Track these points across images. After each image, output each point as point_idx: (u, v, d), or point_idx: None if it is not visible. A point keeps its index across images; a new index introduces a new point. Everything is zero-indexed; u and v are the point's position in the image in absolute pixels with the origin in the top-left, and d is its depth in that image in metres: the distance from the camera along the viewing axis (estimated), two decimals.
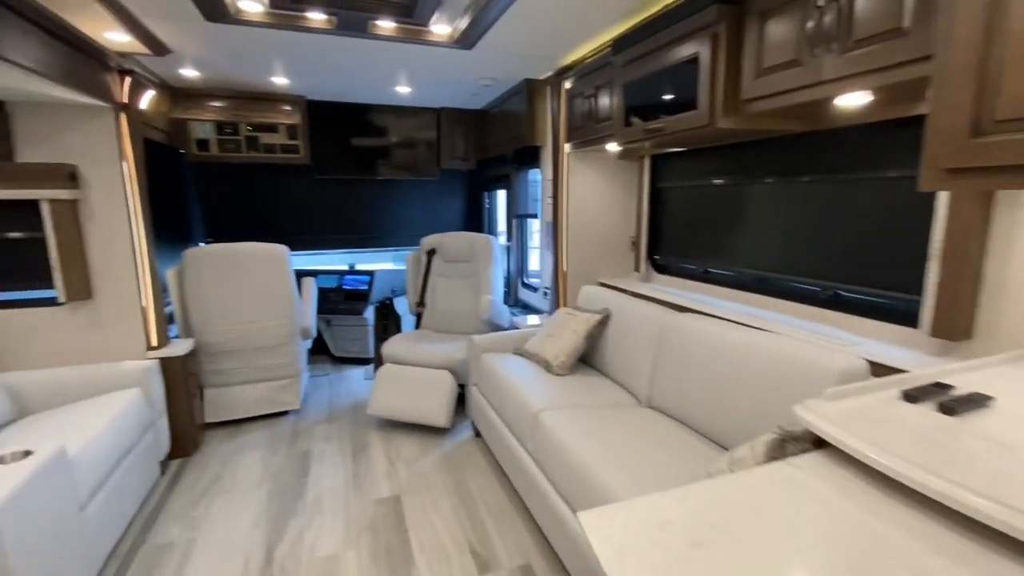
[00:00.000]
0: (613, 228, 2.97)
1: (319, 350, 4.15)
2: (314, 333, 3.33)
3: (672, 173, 2.68)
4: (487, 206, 4.54)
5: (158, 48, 2.37)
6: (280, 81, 3.22)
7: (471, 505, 2.19)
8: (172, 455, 2.57)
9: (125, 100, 2.30)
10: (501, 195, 4.37)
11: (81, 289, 2.30)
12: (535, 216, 3.58)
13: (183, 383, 2.58)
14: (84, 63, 2.04)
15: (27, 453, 1.47)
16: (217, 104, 3.46)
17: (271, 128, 3.62)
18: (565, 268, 2.93)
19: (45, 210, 2.19)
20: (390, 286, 4.13)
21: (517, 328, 3.06)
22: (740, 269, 2.24)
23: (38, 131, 2.19)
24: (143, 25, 2.10)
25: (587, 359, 2.56)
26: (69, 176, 2.21)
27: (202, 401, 2.89)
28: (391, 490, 2.32)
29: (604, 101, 2.37)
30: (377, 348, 3.71)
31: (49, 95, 2.03)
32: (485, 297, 3.17)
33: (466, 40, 2.39)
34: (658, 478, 1.46)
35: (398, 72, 3.03)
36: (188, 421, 2.62)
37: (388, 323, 3.86)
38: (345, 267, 4.24)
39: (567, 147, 2.81)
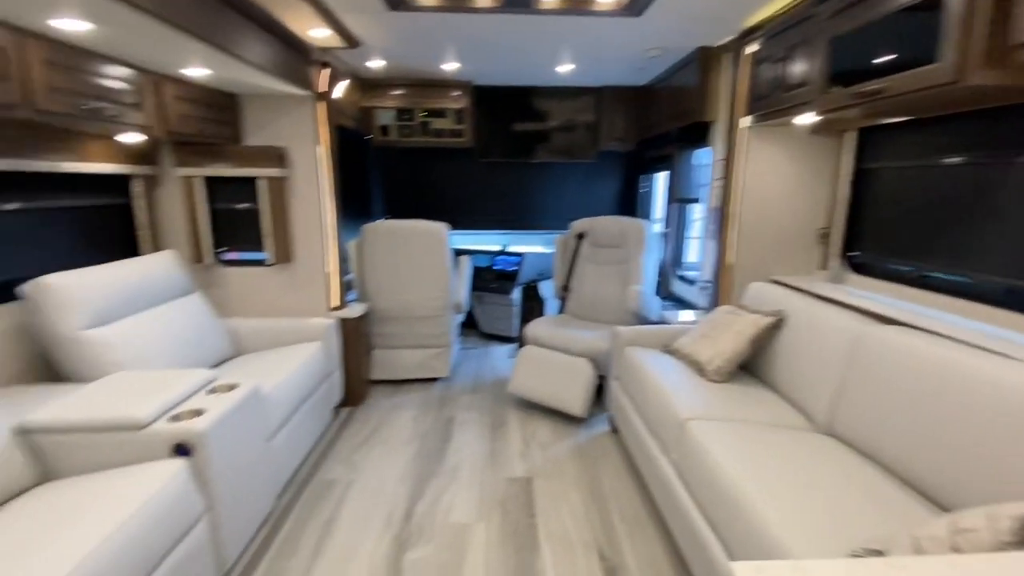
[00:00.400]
0: (795, 216, 2.52)
1: (470, 325, 4.38)
2: (466, 308, 3.50)
3: (887, 150, 2.15)
4: (643, 190, 4.27)
5: (351, 41, 2.64)
6: (450, 67, 3.39)
7: (603, 504, 2.09)
8: (343, 404, 2.93)
9: (323, 89, 2.61)
10: (660, 178, 4.07)
11: (284, 254, 2.72)
12: (697, 201, 3.24)
13: (356, 342, 2.91)
14: (295, 58, 2.36)
15: (232, 386, 1.77)
16: (397, 92, 3.79)
17: (440, 113, 3.86)
18: (731, 260, 2.59)
19: (261, 186, 2.62)
20: (538, 269, 4.15)
21: (667, 323, 2.82)
22: (979, 275, 1.71)
23: (259, 119, 2.61)
24: (339, 20, 2.34)
25: (749, 367, 2.24)
26: (279, 157, 2.61)
27: (370, 360, 3.25)
28: (524, 471, 2.33)
29: (798, 64, 1.98)
30: (521, 328, 3.77)
31: (268, 88, 2.40)
32: (634, 287, 2.98)
33: (635, 5, 2.20)
34: (836, 528, 1.19)
35: (561, 49, 2.95)
36: (358, 376, 2.97)
37: (533, 305, 3.90)
38: (498, 248, 4.38)
39: (745, 121, 2.45)
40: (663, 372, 2.15)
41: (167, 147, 2.52)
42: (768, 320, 2.10)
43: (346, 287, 3.02)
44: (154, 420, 1.51)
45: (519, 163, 4.29)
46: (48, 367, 1.93)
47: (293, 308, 2.78)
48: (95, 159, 2.14)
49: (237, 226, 2.69)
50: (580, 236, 3.46)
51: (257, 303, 2.78)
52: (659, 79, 3.55)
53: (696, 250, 3.48)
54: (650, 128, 3.75)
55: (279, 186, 2.64)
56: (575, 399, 2.71)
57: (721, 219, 2.62)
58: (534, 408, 2.96)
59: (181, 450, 1.50)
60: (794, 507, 1.26)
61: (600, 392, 2.85)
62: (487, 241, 4.51)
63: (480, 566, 1.75)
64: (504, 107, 4.04)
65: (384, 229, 3.19)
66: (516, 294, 4.02)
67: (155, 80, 2.03)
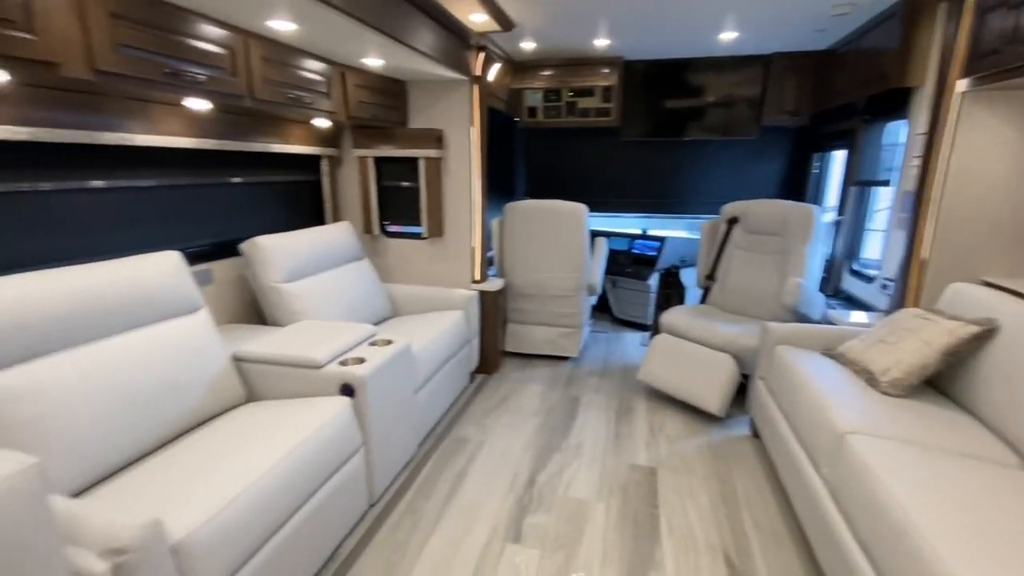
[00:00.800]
0: (1021, 206, 2.01)
1: (602, 308, 4.33)
2: (599, 291, 3.47)
3: None
4: (815, 170, 3.75)
5: (506, 23, 2.73)
6: (601, 43, 3.31)
7: (734, 508, 1.95)
8: (478, 370, 3.14)
9: (478, 73, 2.76)
10: (837, 157, 3.53)
11: (437, 229, 2.97)
12: (885, 183, 2.75)
13: (493, 314, 3.08)
14: (456, 44, 2.52)
15: (388, 342, 2.00)
16: (546, 73, 3.83)
17: (587, 92, 3.81)
18: (924, 256, 2.17)
19: (421, 166, 2.87)
20: (679, 255, 3.93)
21: (832, 324, 2.48)
22: None
23: (421, 103, 2.86)
24: (496, 3, 2.44)
25: (937, 383, 1.87)
26: (437, 139, 2.83)
27: (504, 332, 3.42)
28: (648, 460, 2.26)
29: None
30: (656, 316, 3.63)
31: (431, 73, 2.60)
32: (793, 279, 2.66)
33: None
34: None
35: (727, 14, 2.70)
36: (493, 346, 3.14)
37: (671, 292, 3.71)
38: (637, 231, 4.23)
39: (961, 85, 2.00)
40: (822, 377, 1.91)
41: (347, 131, 2.90)
42: (971, 329, 1.72)
43: (488, 262, 3.19)
44: (328, 363, 1.79)
45: (667, 142, 4.07)
46: (256, 311, 2.40)
47: (441, 278, 3.04)
48: (295, 142, 2.55)
49: (399, 202, 3.00)
50: (732, 221, 3.18)
51: (411, 272, 3.09)
52: (844, 41, 3.06)
53: (877, 243, 2.97)
54: (829, 98, 3.26)
55: (435, 166, 2.87)
56: (712, 395, 2.54)
57: (916, 205, 2.20)
58: (664, 399, 2.85)
59: (346, 390, 1.75)
60: (983, 553, 1.04)
61: (741, 391, 2.63)
62: (626, 224, 4.39)
63: (597, 543, 1.76)
64: (655, 83, 3.84)
65: (525, 208, 3.28)
66: (653, 280, 3.87)
67: (341, 71, 2.33)
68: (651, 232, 4.18)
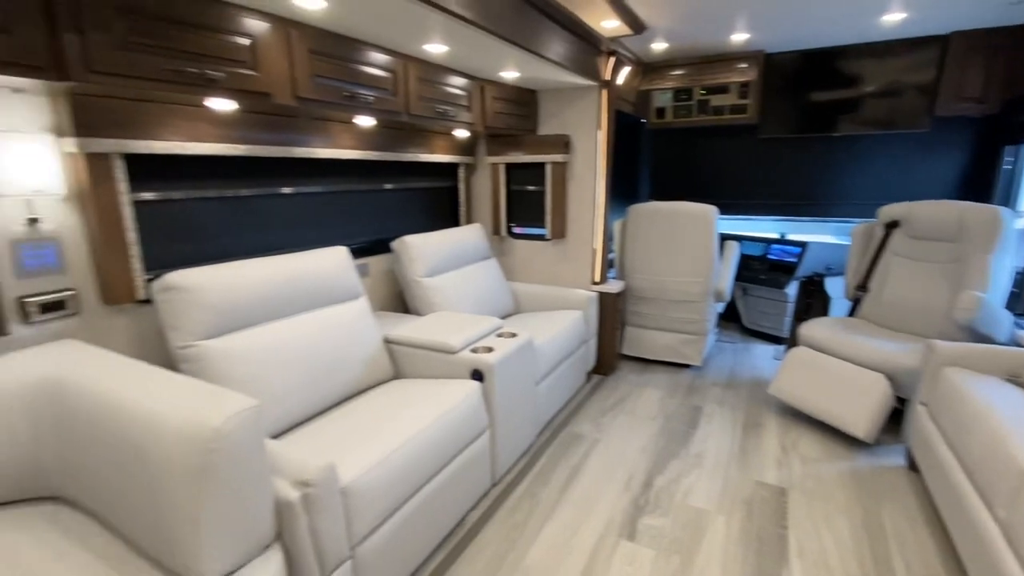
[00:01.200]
0: None
1: (730, 317, 4.09)
2: (727, 298, 3.30)
3: None
4: (1006, 166, 3.16)
5: (638, 26, 2.74)
6: (739, 38, 3.16)
7: (880, 542, 1.75)
8: (595, 371, 3.18)
9: (607, 78, 2.80)
10: None
11: (560, 231, 3.07)
12: None
13: (612, 316, 3.10)
14: (587, 51, 2.60)
15: (513, 335, 2.14)
16: (677, 72, 3.74)
17: (722, 89, 3.64)
18: None
19: (547, 170, 3.00)
20: (823, 262, 3.56)
21: (1021, 346, 2.09)
22: None
23: (551, 110, 2.98)
24: (629, 8, 2.47)
25: None
26: (565, 144, 2.93)
27: (622, 335, 3.41)
28: (778, 479, 2.12)
29: None
30: (794, 327, 3.35)
31: (562, 81, 2.71)
32: (970, 293, 2.29)
33: None
34: None
35: None
36: (610, 348, 3.16)
37: (813, 303, 3.38)
38: (775, 235, 3.92)
39: None
40: (1004, 406, 1.63)
41: (482, 140, 3.13)
42: None
43: (608, 264, 3.22)
44: (462, 349, 1.98)
45: (811, 139, 3.72)
46: (400, 301, 2.71)
47: (562, 279, 3.13)
48: (438, 152, 2.83)
49: (525, 205, 3.15)
50: (891, 225, 2.82)
51: (534, 271, 3.23)
52: None
53: None
54: None
55: (561, 170, 2.98)
56: (860, 418, 2.29)
57: None
58: (799, 417, 2.62)
59: (476, 375, 1.92)
60: None
61: (894, 416, 2.34)
62: (760, 228, 4.09)
63: (717, 554, 1.71)
64: (800, 76, 3.54)
65: (649, 210, 3.24)
66: (792, 289, 3.56)
67: (481, 85, 2.54)
68: (790, 236, 3.85)
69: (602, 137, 2.89)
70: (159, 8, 1.29)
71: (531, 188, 3.12)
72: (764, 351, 3.60)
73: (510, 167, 3.12)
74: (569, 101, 2.92)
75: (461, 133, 2.75)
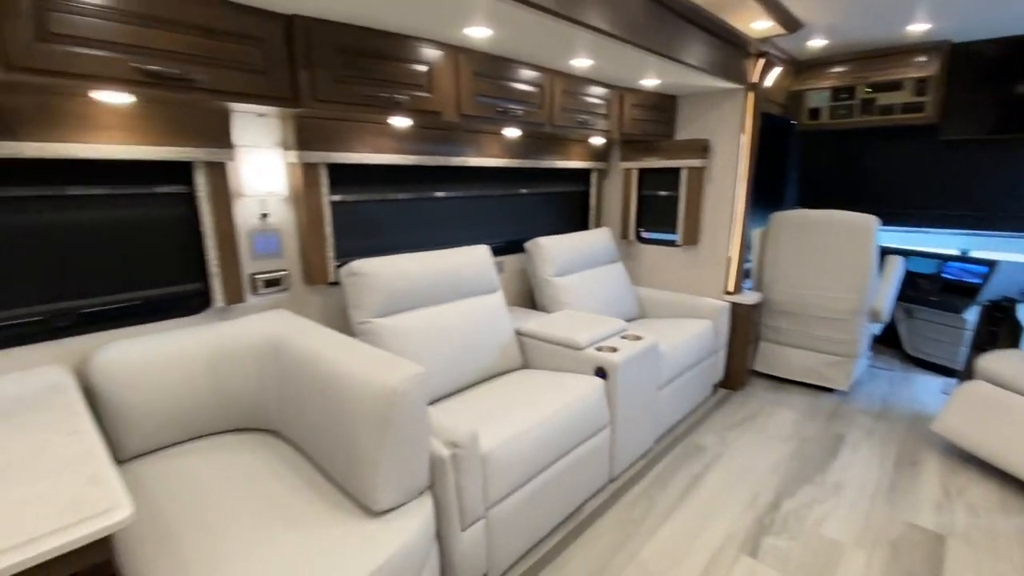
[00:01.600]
0: None
1: (888, 341, 3.64)
2: (886, 319, 2.96)
3: None
4: None
5: (792, 25, 2.59)
6: (917, 28, 2.81)
7: None
8: (722, 384, 3.06)
9: (755, 80, 2.69)
10: None
11: (692, 237, 3.02)
12: None
13: (745, 329, 2.96)
14: (732, 54, 2.54)
15: (638, 337, 2.19)
16: (837, 70, 3.42)
17: (893, 86, 3.25)
18: None
19: (683, 175, 2.96)
20: (1018, 285, 3.01)
21: None
22: None
23: (690, 115, 2.94)
24: (783, 6, 2.36)
25: None
26: (703, 148, 2.88)
27: (755, 350, 3.23)
28: (935, 524, 1.89)
29: None
30: (971, 358, 2.90)
31: (704, 85, 2.67)
32: None
33: None
34: None
35: None
36: (740, 362, 3.02)
37: (999, 332, 2.88)
38: (953, 252, 3.40)
39: None
40: None
41: (616, 146, 3.19)
42: None
43: (743, 274, 3.07)
44: (587, 347, 2.08)
45: (1013, 140, 3.15)
46: (529, 298, 2.89)
47: (691, 286, 3.07)
48: (573, 158, 2.97)
49: (656, 210, 3.15)
50: None
51: (661, 277, 3.21)
52: None
53: None
54: None
55: (698, 175, 2.92)
56: None
57: None
58: (969, 461, 2.28)
59: (600, 372, 2.01)
60: None
61: None
62: (933, 242, 3.56)
63: None
64: (1000, 67, 3.02)
65: (796, 219, 3.03)
66: (971, 314, 3.07)
67: (620, 93, 2.62)
68: (974, 253, 3.31)
69: (745, 141, 2.78)
70: (363, 46, 1.59)
71: (663, 193, 3.11)
72: (929, 383, 3.15)
73: (643, 172, 3.14)
74: (711, 105, 2.86)
75: (597, 140, 2.85)
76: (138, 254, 1.58)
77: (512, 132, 2.40)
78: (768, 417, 2.73)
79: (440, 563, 1.41)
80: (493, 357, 2.10)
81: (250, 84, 1.41)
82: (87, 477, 0.89)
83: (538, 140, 2.71)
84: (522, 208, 2.90)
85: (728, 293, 2.97)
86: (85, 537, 0.76)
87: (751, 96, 2.73)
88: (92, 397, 1.37)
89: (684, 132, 2.99)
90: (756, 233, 3.22)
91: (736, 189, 2.84)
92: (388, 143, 2.03)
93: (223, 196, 1.65)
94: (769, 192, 3.68)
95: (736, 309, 2.94)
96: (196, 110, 1.54)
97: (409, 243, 2.32)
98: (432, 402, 1.86)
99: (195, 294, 1.70)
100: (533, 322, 2.31)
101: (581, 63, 2.12)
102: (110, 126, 1.40)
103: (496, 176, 2.69)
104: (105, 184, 1.49)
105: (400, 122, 1.91)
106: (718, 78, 2.46)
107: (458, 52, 1.84)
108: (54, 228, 1.42)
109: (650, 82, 2.56)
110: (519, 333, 2.28)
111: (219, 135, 1.59)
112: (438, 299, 2.01)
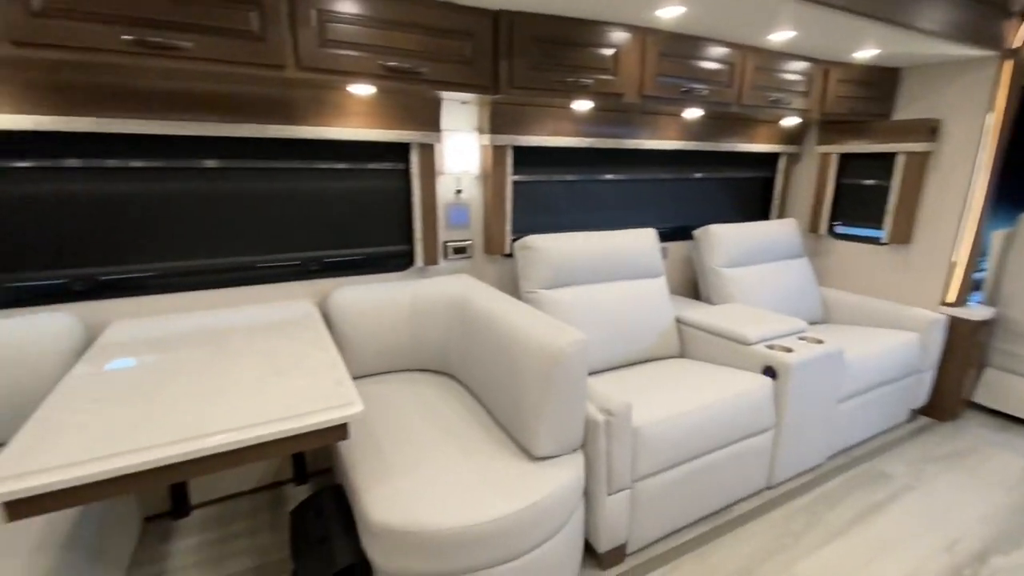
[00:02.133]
0: None
1: None
2: None
3: None
4: None
5: None
6: None
7: None
8: (924, 411, 2.60)
9: (1016, 45, 2.17)
10: None
11: (903, 234, 2.58)
12: None
13: (966, 350, 2.45)
14: (982, 14, 2.07)
15: (819, 341, 1.98)
16: None
17: None
18: None
19: (899, 162, 2.54)
20: None
21: None
22: None
23: (916, 91, 2.49)
24: None
25: None
26: (930, 130, 2.42)
27: (978, 377, 2.65)
28: None
29: None
30: None
31: (938, 54, 2.24)
32: None
33: None
34: None
35: None
36: (954, 389, 2.52)
37: None
38: None
39: None
40: None
41: (814, 127, 2.86)
42: None
43: (972, 284, 2.53)
44: (756, 343, 1.96)
45: None
46: (692, 287, 2.79)
47: (895, 292, 2.64)
48: (759, 141, 2.74)
49: (857, 201, 2.75)
50: None
51: (857, 279, 2.81)
52: None
53: None
54: None
55: (919, 162, 2.47)
56: None
57: None
58: None
59: (769, 372, 1.88)
60: None
61: None
62: None
63: None
64: None
65: None
66: None
67: (824, 68, 2.33)
68: None
69: (993, 122, 2.26)
70: (556, 34, 1.70)
71: (869, 182, 2.70)
72: None
73: (845, 157, 2.76)
74: (946, 78, 2.38)
75: (789, 121, 2.59)
76: (364, 218, 1.95)
77: (693, 113, 2.33)
78: (985, 459, 2.25)
79: (585, 520, 1.51)
80: (650, 341, 2.11)
81: (460, 74, 1.62)
82: (333, 380, 1.17)
83: (720, 121, 2.57)
84: (694, 193, 2.79)
85: (947, 304, 2.48)
86: (336, 419, 1.03)
87: (1008, 65, 2.20)
88: (329, 326, 1.76)
89: (906, 111, 2.55)
90: (997, 235, 2.61)
91: (973, 180, 2.34)
92: (567, 126, 2.14)
93: (430, 173, 1.94)
94: (1020, 187, 2.94)
95: (956, 324, 2.45)
96: (416, 99, 1.82)
97: (578, 223, 2.42)
98: (589, 373, 1.96)
99: (402, 254, 2.04)
100: (696, 311, 2.24)
101: (781, 36, 1.96)
102: (356, 113, 1.74)
103: (670, 159, 2.63)
104: (345, 160, 1.87)
105: (582, 105, 2.00)
106: (963, 44, 2.04)
107: (645, 33, 1.85)
108: (311, 194, 1.84)
109: (866, 53, 2.23)
110: (680, 321, 2.24)
111: (431, 120, 1.87)
112: (602, 278, 2.08)
